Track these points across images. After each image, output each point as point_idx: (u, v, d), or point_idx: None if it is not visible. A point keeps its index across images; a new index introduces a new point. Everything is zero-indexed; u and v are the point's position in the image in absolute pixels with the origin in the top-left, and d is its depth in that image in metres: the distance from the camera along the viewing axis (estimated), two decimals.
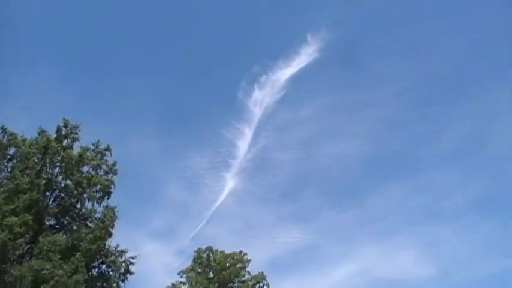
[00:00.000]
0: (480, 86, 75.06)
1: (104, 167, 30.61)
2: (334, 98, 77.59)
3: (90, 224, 29.07)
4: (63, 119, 29.76)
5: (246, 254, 43.32)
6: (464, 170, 71.67)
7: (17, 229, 24.78)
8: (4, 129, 28.98)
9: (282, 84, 66.77)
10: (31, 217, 25.93)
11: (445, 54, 77.19)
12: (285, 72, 65.79)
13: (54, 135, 29.24)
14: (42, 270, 24.67)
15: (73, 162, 28.99)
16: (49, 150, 28.31)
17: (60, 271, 24.64)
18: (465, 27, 76.08)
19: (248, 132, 66.08)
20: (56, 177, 28.90)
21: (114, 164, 30.90)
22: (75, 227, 28.04)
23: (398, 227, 69.83)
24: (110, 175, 30.64)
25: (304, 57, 65.05)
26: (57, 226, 28.57)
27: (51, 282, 24.47)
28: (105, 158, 30.78)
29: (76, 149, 29.84)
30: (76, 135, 29.90)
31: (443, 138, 74.75)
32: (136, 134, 69.62)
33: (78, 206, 29.53)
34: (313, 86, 76.16)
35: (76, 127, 29.89)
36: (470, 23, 75.12)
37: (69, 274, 24.99)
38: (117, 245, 29.16)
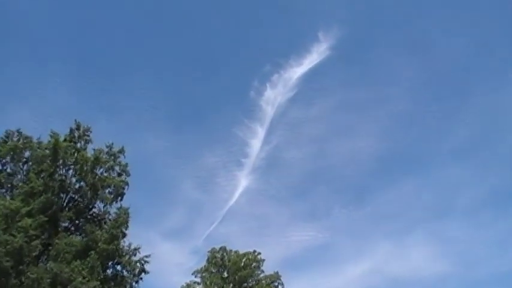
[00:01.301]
0: (490, 82, 74.35)
1: (116, 168, 30.80)
2: (345, 95, 77.59)
3: (104, 226, 29.23)
4: (75, 121, 30.13)
5: (259, 253, 43.78)
6: (476, 166, 71.24)
7: (32, 231, 25.00)
8: (20, 133, 29.38)
9: (293, 83, 66.85)
10: (46, 219, 26.19)
11: (454, 50, 76.70)
12: (297, 71, 65.92)
13: (67, 137, 29.47)
14: (60, 272, 24.86)
15: (88, 164, 29.19)
16: (62, 153, 28.53)
17: (79, 278, 24.80)
18: (473, 24, 75.02)
19: (261, 131, 66.43)
20: (70, 179, 29.13)
21: (127, 165, 31.10)
22: (89, 229, 28.13)
23: (411, 224, 69.55)
24: (123, 176, 30.81)
25: (315, 56, 65.08)
26: (72, 228, 28.87)
27: (69, 287, 24.61)
28: (118, 160, 30.97)
29: (89, 151, 30.10)
30: (88, 137, 30.18)
31: (454, 133, 74.47)
32: (148, 133, 69.94)
33: (93, 207, 29.82)
34: (325, 84, 76.31)
35: (88, 129, 30.16)
36: (478, 20, 74.03)
37: (87, 279, 25.22)
38: (130, 244, 29.29)
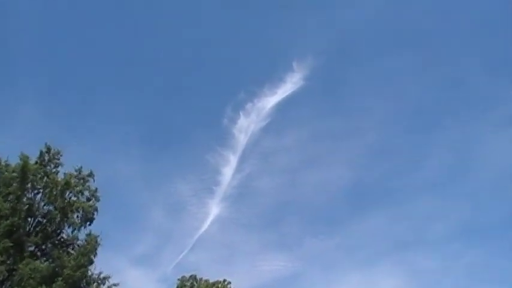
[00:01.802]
0: (462, 115, 76.36)
1: (86, 192, 30.42)
2: (318, 126, 76.87)
3: (71, 251, 28.72)
4: (46, 144, 29.69)
5: (230, 282, 42.94)
6: (447, 199, 71.74)
7: None
8: None
9: (267, 112, 66.41)
10: (11, 244, 25.61)
11: (426, 84, 78.33)
12: (270, 100, 65.62)
13: (37, 160, 29.12)
14: None
15: (58, 188, 28.78)
16: (31, 176, 28.10)
17: None
18: (444, 60, 77.91)
19: (233, 159, 65.33)
20: (39, 203, 28.63)
21: (96, 190, 30.79)
22: (56, 254, 27.53)
23: (382, 254, 68.80)
24: (93, 201, 30.43)
25: (289, 85, 65.03)
26: (38, 253, 28.13)
27: None
28: (87, 183, 30.63)
29: (60, 175, 29.73)
30: (59, 161, 29.86)
31: (425, 166, 74.73)
32: (120, 158, 67.75)
33: (61, 232, 29.25)
34: (298, 113, 75.47)
35: (58, 152, 29.85)
36: (449, 55, 77.08)
37: None
38: (100, 273, 28.84)
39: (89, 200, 30.36)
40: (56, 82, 71.04)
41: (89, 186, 30.57)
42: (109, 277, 28.52)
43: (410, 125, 78.68)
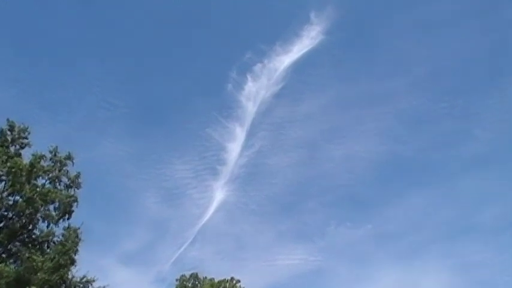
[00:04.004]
0: None
1: (64, 179, 26.72)
2: (341, 90, 68.00)
3: (47, 251, 25.32)
4: (8, 120, 25.52)
5: (239, 281, 40.59)
6: (502, 176, 61.93)
7: None
8: None
9: (280, 74, 59.26)
10: None
11: (475, 33, 67.38)
12: (284, 60, 58.52)
13: None
14: None
15: (23, 173, 24.52)
16: None
17: None
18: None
19: (240, 133, 58.87)
20: (2, 193, 24.52)
21: (77, 176, 27.03)
22: (27, 255, 23.87)
23: (423, 245, 60.93)
24: (72, 189, 26.82)
25: (306, 41, 58.00)
26: (3, 254, 24.41)
27: None
28: (65, 168, 26.82)
29: (27, 157, 25.56)
30: (26, 140, 25.63)
31: (476, 136, 64.88)
32: (102, 135, 61.35)
33: (32, 228, 25.58)
34: (318, 75, 66.29)
35: (24, 130, 25.68)
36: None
37: None
38: (84, 276, 25.80)
39: (67, 187, 26.87)
40: (21, 46, 61.62)
41: (67, 171, 26.99)
42: (94, 280, 25.87)
43: (454, 87, 68.57)
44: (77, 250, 25.20)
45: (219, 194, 56.85)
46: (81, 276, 25.67)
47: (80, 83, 63.34)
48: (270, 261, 57.62)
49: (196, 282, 40.14)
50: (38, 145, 26.24)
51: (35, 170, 24.89)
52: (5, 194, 24.35)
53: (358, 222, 63.16)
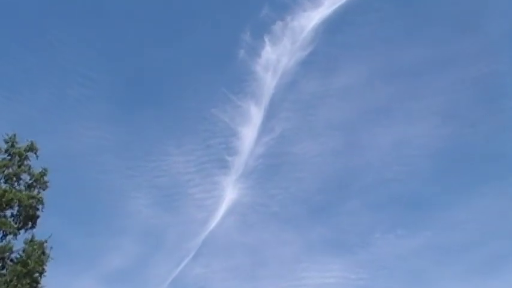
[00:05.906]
0: None
1: (25, 176, 23.09)
2: (389, 55, 57.43)
3: (2, 271, 21.29)
4: None
5: None
6: None
7: None
8: None
9: (308, 36, 49.83)
10: None
11: None
12: (313, 16, 49.35)
13: None
14: None
15: None
16: None
17: None
18: None
19: (256, 114, 49.93)
20: None
21: (43, 173, 23.43)
22: None
23: (500, 258, 49.87)
24: (36, 190, 23.28)
25: None
26: None
27: None
28: (27, 162, 23.30)
29: None
30: None
31: None
32: (78, 120, 52.40)
33: None
34: (357, 37, 56.81)
35: None
36: None
37: None
38: None
39: (29, 188, 23.39)
40: None
41: (28, 166, 23.50)
42: None
43: None
44: (44, 270, 21.46)
45: (229, 193, 48.90)
46: None
47: (45, 50, 55.16)
48: (297, 281, 49.01)
49: None
50: None
51: None
52: None
53: (413, 229, 53.27)
